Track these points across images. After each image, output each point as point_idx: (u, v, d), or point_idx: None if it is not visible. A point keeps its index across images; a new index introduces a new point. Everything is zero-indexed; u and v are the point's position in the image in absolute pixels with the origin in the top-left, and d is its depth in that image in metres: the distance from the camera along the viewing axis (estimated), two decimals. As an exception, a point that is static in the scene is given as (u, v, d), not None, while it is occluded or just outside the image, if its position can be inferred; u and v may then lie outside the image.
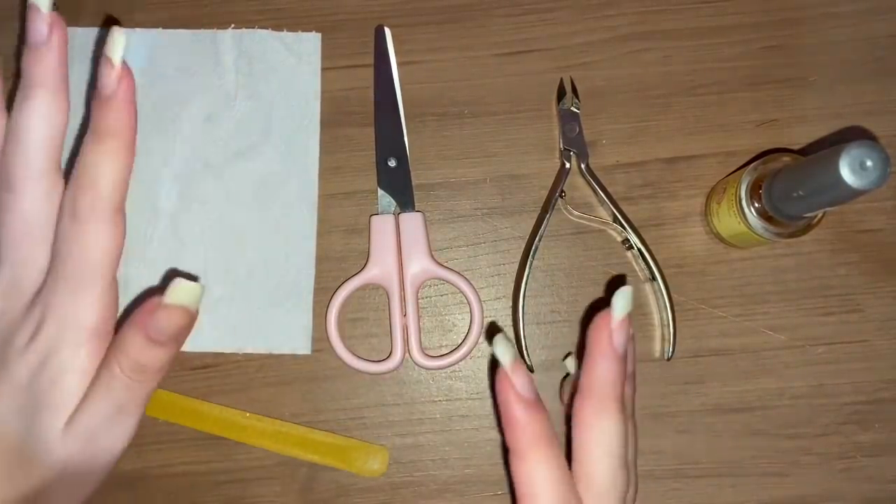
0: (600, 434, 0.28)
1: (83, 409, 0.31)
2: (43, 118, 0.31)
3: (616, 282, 0.40)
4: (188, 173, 0.41)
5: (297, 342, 0.40)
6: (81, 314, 0.31)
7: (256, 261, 0.40)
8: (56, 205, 0.31)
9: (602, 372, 0.28)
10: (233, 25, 0.41)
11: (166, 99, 0.41)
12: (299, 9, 0.42)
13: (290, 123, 0.41)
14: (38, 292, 0.31)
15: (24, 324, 0.31)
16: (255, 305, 0.40)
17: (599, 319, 0.28)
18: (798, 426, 0.40)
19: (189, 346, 0.39)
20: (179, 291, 0.30)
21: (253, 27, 0.41)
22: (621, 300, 0.28)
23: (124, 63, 0.31)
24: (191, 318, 0.30)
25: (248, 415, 0.39)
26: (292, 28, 0.42)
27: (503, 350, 0.27)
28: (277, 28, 0.41)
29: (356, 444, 0.39)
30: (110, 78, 0.30)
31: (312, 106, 0.41)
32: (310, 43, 0.42)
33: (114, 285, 0.32)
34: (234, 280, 0.40)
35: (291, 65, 0.41)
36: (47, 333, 0.31)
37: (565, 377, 0.39)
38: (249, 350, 0.40)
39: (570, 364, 0.37)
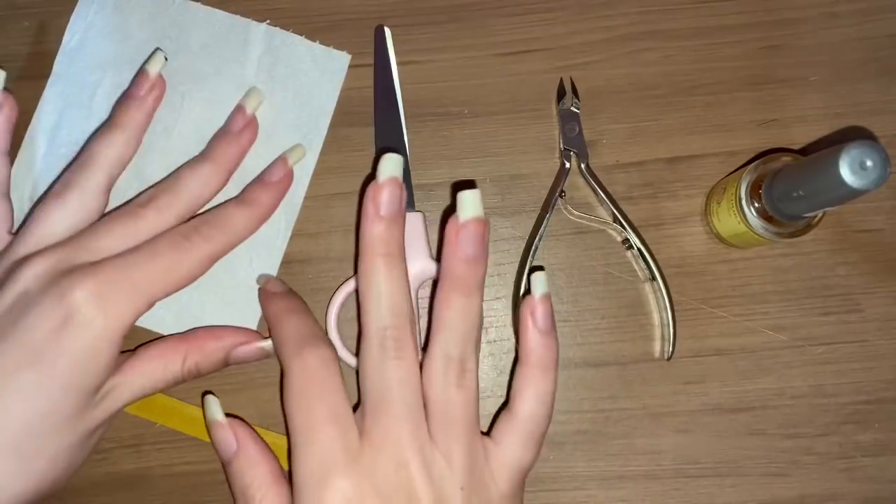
0: (449, 311, 0.33)
1: (122, 384, 0.34)
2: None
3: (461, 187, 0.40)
4: (182, 150, 0.40)
5: None
6: (123, 311, 0.33)
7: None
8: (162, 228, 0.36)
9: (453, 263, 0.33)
10: (268, 21, 0.41)
11: (182, 71, 0.41)
12: (299, 8, 0.42)
13: (293, 134, 0.41)
14: (84, 265, 0.33)
15: (55, 287, 0.33)
16: (203, 296, 0.39)
17: (450, 222, 0.33)
18: (798, 426, 0.40)
19: (151, 325, 0.39)
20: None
21: (289, 28, 0.41)
22: (468, 202, 0.32)
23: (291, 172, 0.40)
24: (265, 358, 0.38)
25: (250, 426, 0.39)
26: (290, 27, 0.41)
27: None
28: (275, 25, 0.42)
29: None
30: (280, 172, 0.39)
31: (321, 123, 0.41)
32: (337, 62, 0.41)
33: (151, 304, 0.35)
34: None
35: (313, 78, 0.41)
36: (77, 308, 0.32)
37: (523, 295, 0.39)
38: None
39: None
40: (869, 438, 0.39)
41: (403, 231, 0.34)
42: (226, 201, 0.38)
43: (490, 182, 0.41)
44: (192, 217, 0.37)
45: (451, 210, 0.37)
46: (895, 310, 0.40)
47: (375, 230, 0.33)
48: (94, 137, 0.38)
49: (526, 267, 0.39)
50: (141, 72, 0.39)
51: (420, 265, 0.39)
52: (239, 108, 0.40)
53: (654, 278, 0.39)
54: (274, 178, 0.39)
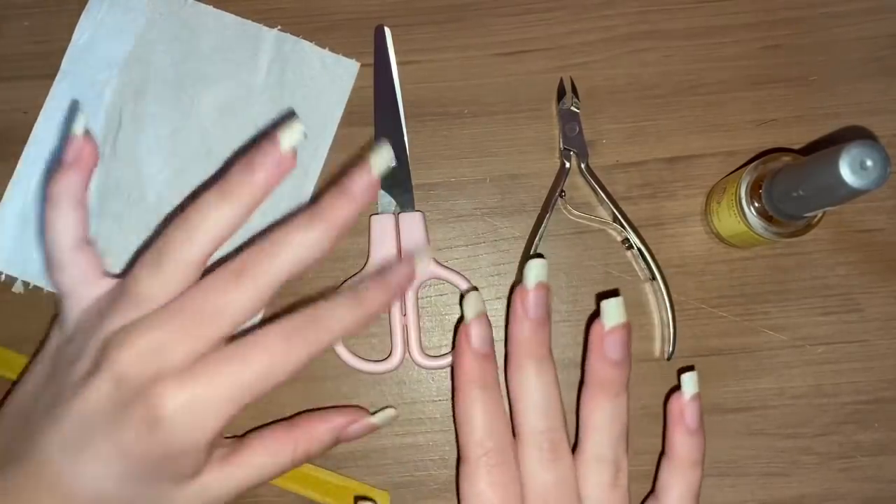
0: (600, 412, 0.34)
1: (223, 475, 0.32)
2: (309, 249, 0.31)
3: (606, 294, 0.40)
4: (189, 153, 0.41)
5: None
6: (212, 422, 0.30)
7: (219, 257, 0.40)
8: (250, 316, 0.31)
9: (597, 368, 0.35)
10: (279, 27, 0.41)
11: (192, 74, 0.41)
12: (299, 8, 0.42)
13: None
14: (181, 370, 0.30)
15: (145, 396, 0.29)
16: None
17: (595, 327, 0.35)
18: (798, 426, 0.40)
19: None
20: (386, 417, 0.37)
21: (289, 29, 0.41)
22: (612, 310, 0.34)
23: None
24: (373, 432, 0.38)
25: None
26: (290, 27, 0.41)
27: (470, 303, 0.35)
28: (270, 25, 0.42)
29: (357, 486, 0.39)
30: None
31: (328, 130, 0.41)
32: (346, 69, 0.41)
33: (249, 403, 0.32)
34: None
35: (322, 84, 0.41)
36: (165, 418, 0.29)
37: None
38: None
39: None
40: (868, 438, 0.39)
41: (550, 334, 0.35)
42: (336, 295, 0.32)
43: (490, 182, 0.41)
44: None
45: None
46: (895, 310, 0.40)
47: (525, 331, 0.34)
48: (201, 203, 0.32)
49: (526, 267, 0.39)
50: (271, 138, 0.32)
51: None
52: (364, 168, 0.33)
53: (654, 278, 0.39)
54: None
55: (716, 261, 0.40)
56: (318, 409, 0.39)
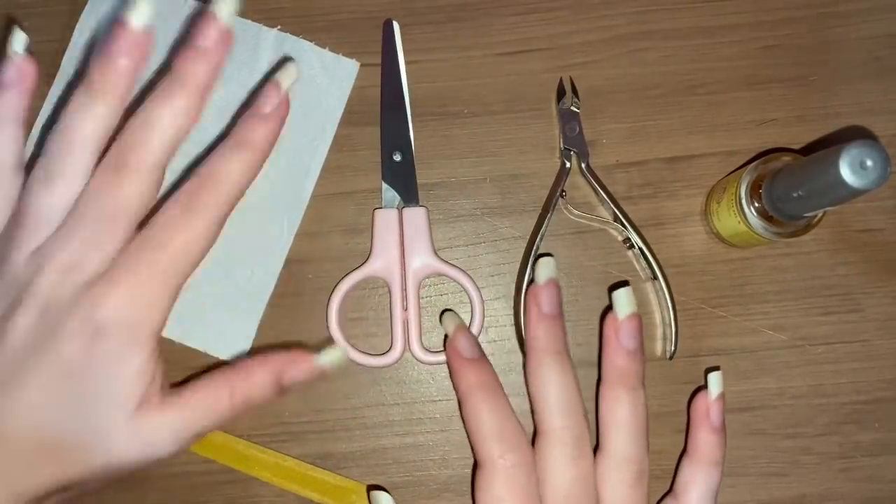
0: (620, 407, 0.34)
1: (163, 415, 0.31)
2: (179, 117, 0.31)
3: (616, 285, 0.40)
4: (187, 152, 0.40)
5: (235, 348, 0.40)
6: (152, 312, 0.31)
7: (221, 259, 0.39)
8: (148, 203, 0.31)
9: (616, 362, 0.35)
10: (279, 27, 0.41)
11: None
12: (298, 8, 0.42)
13: (300, 140, 0.41)
14: (102, 276, 0.30)
15: (80, 308, 0.30)
16: (205, 302, 0.39)
17: (608, 320, 0.35)
18: (798, 426, 0.40)
19: None
20: (334, 358, 0.34)
21: (289, 29, 0.41)
22: (623, 300, 0.35)
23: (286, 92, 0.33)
24: (321, 378, 0.34)
25: (250, 445, 0.39)
26: (290, 26, 0.41)
27: (448, 319, 0.36)
28: (270, 25, 0.42)
29: (355, 487, 0.39)
30: (272, 101, 0.33)
31: (328, 130, 0.41)
32: (346, 69, 0.41)
33: (181, 286, 0.32)
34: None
35: (322, 84, 0.41)
36: (107, 323, 0.30)
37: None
38: (188, 344, 0.39)
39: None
40: (869, 438, 0.39)
41: (565, 330, 0.35)
42: (216, 149, 0.33)
43: (490, 182, 0.41)
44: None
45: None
46: (895, 310, 0.40)
47: (541, 328, 0.35)
48: (72, 107, 0.31)
49: (528, 267, 0.39)
50: (118, 23, 0.31)
51: (423, 260, 0.39)
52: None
53: (655, 277, 0.39)
54: (267, 109, 0.33)
55: (716, 261, 0.40)
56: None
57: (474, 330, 0.39)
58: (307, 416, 0.40)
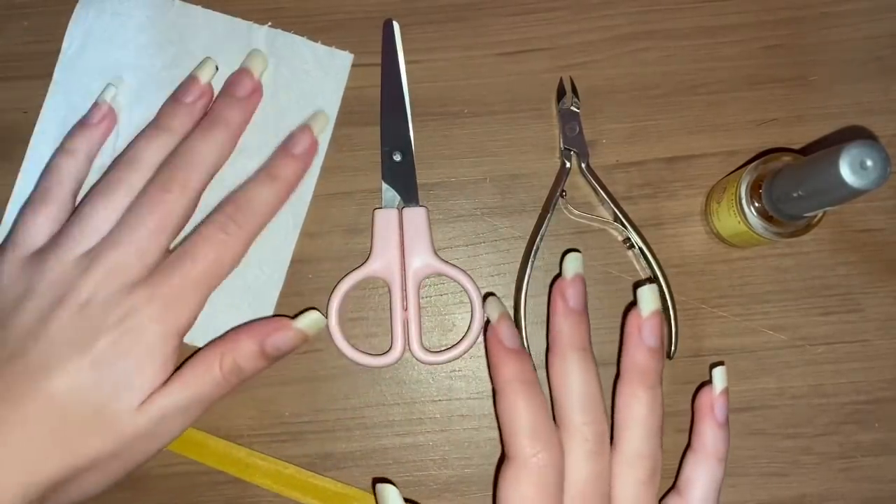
0: (638, 404, 0.34)
1: (165, 393, 0.34)
2: (216, 151, 0.38)
3: (639, 283, 0.40)
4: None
5: None
6: (180, 315, 0.35)
7: None
8: (186, 220, 0.37)
9: (636, 359, 0.35)
10: (270, 23, 0.41)
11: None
12: (298, 7, 0.42)
13: None
14: (141, 281, 0.35)
15: (118, 307, 0.34)
16: (215, 303, 0.39)
17: (631, 317, 0.35)
18: (798, 426, 0.40)
19: None
20: (311, 321, 0.37)
21: (290, 29, 0.41)
22: (647, 297, 0.35)
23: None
24: (304, 344, 0.37)
25: (251, 453, 0.39)
26: (290, 27, 0.41)
27: (492, 305, 0.36)
28: (264, 23, 0.42)
29: (357, 494, 0.39)
30: (304, 143, 0.39)
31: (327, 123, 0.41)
32: (340, 61, 0.41)
33: (209, 296, 0.37)
34: None
35: (317, 78, 0.41)
36: (140, 321, 0.34)
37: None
38: (196, 344, 0.39)
39: None
40: (869, 438, 0.39)
41: (589, 326, 0.36)
42: (251, 179, 0.38)
43: (490, 182, 0.41)
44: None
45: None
46: (895, 310, 0.40)
47: (567, 323, 0.35)
48: (141, 138, 0.38)
49: (528, 267, 0.39)
50: (191, 77, 0.39)
51: (423, 260, 0.39)
52: (244, 71, 0.40)
53: (655, 277, 0.39)
54: (298, 150, 0.39)
55: (716, 261, 0.40)
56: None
57: (474, 330, 0.39)
58: (307, 416, 0.40)
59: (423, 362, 0.39)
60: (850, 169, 0.29)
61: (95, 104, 0.39)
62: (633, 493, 0.34)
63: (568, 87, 0.41)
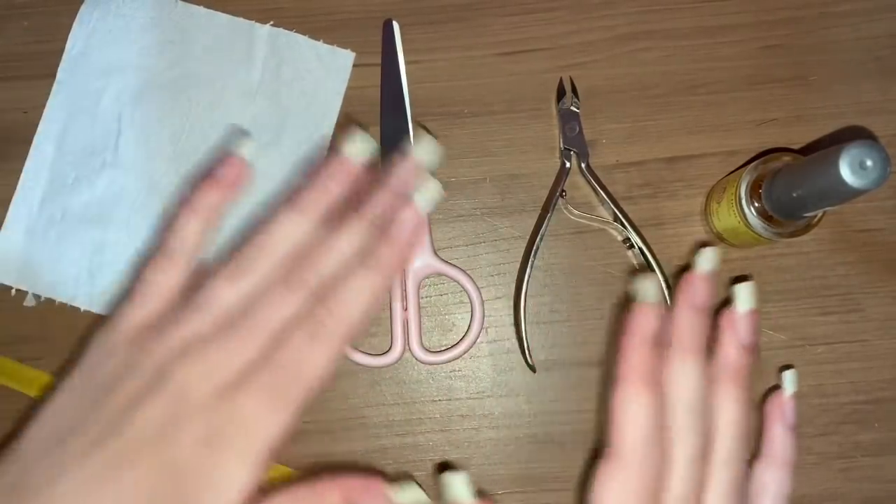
0: (734, 406, 0.33)
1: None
2: (301, 236, 0.32)
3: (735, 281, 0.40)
4: (191, 155, 0.41)
5: None
6: (270, 431, 0.30)
7: None
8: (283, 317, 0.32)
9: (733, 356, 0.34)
10: (272, 22, 0.41)
11: (188, 77, 0.41)
12: (299, 8, 0.42)
13: (301, 133, 0.41)
14: (240, 381, 0.30)
15: (213, 406, 0.30)
16: None
17: (726, 314, 0.34)
18: (798, 426, 0.40)
19: None
20: (412, 498, 0.32)
21: (291, 29, 0.41)
22: (745, 294, 0.34)
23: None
24: None
25: None
26: (290, 27, 0.41)
27: (646, 285, 0.32)
28: (265, 23, 0.42)
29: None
30: (409, 225, 0.33)
31: (328, 121, 0.41)
32: (342, 60, 0.41)
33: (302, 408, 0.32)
34: None
35: (319, 77, 0.41)
36: (233, 424, 0.30)
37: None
38: None
39: None
40: (868, 438, 0.39)
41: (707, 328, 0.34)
42: (345, 272, 0.33)
43: (490, 182, 0.41)
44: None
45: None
46: (895, 309, 0.40)
47: (689, 321, 0.33)
48: (277, 218, 0.33)
49: (528, 267, 0.39)
50: (339, 155, 0.33)
51: (423, 260, 0.39)
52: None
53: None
54: (403, 237, 0.33)
55: (716, 261, 0.40)
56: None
57: (474, 330, 0.39)
58: (307, 416, 0.40)
59: (422, 362, 0.39)
60: (850, 169, 0.29)
61: (228, 158, 0.33)
62: (724, 494, 0.33)
63: (568, 87, 0.41)
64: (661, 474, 0.32)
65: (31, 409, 0.33)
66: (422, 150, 0.33)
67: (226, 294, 0.32)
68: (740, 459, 0.33)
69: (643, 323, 0.32)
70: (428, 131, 0.41)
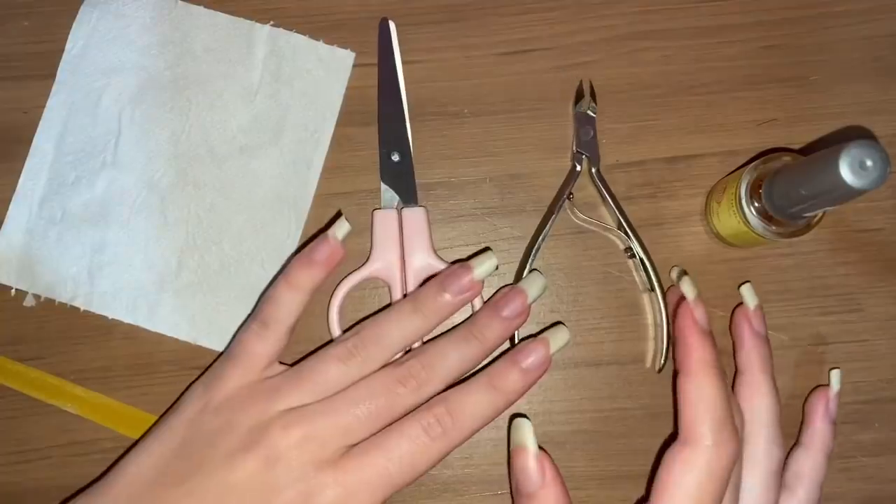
0: (765, 399, 0.37)
1: None
2: (464, 366, 0.35)
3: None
4: (191, 155, 0.41)
5: None
6: (372, 495, 0.32)
7: (232, 256, 0.40)
8: (407, 413, 0.34)
9: (753, 356, 0.37)
10: (272, 22, 0.41)
11: (188, 76, 0.41)
12: (300, 7, 0.42)
13: (301, 133, 0.41)
14: (334, 460, 0.32)
15: (303, 479, 0.32)
16: (218, 300, 0.40)
17: (740, 312, 0.38)
18: (798, 426, 0.40)
19: (143, 323, 0.39)
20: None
21: (291, 29, 0.41)
22: (749, 294, 0.38)
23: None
24: None
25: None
26: (290, 27, 0.41)
27: (688, 288, 0.35)
28: (265, 23, 0.42)
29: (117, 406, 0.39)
30: (539, 356, 0.35)
31: (328, 122, 0.41)
32: (342, 60, 0.41)
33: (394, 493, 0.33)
34: (205, 270, 0.40)
35: (319, 76, 0.41)
36: (318, 502, 0.32)
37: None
38: (202, 344, 0.39)
39: None
40: (869, 438, 0.39)
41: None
42: (472, 382, 0.35)
43: (490, 182, 0.41)
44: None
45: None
46: (895, 310, 0.40)
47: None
48: (394, 314, 0.36)
49: (528, 267, 0.39)
50: (464, 268, 0.36)
51: (423, 260, 0.39)
52: (518, 291, 0.36)
53: (652, 289, 0.39)
54: (525, 364, 0.35)
55: (716, 261, 0.40)
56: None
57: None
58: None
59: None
60: (849, 169, 0.29)
61: (324, 239, 0.36)
62: (763, 482, 0.35)
63: (587, 91, 0.41)
64: (738, 455, 0.33)
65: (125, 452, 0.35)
66: (532, 287, 0.36)
67: (333, 372, 0.34)
68: (779, 445, 0.36)
69: (700, 317, 0.34)
70: (427, 131, 0.41)
